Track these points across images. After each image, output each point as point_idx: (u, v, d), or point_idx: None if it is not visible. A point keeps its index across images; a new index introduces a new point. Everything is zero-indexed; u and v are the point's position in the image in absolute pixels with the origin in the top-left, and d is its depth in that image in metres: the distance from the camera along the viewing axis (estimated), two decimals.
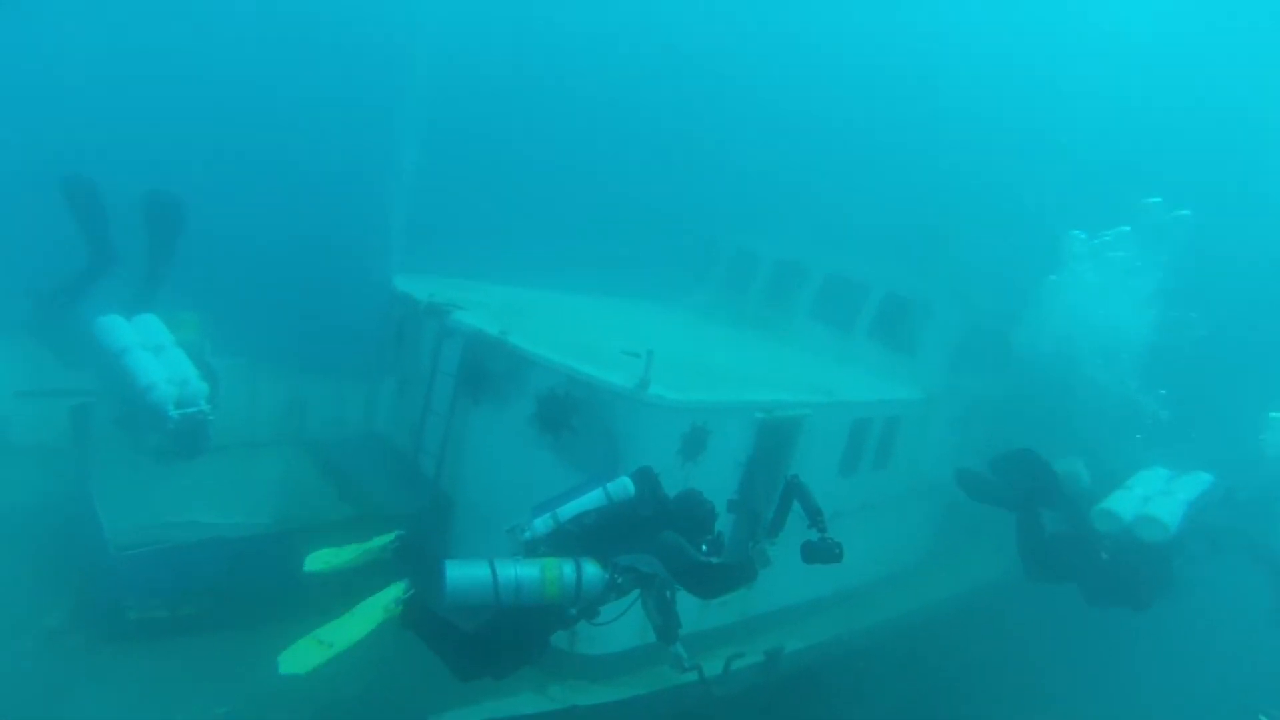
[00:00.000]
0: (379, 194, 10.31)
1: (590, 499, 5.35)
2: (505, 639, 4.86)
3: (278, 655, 5.09)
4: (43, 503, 7.18)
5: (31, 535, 6.86)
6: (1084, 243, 11.49)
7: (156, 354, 7.45)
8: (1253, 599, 9.13)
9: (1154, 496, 8.48)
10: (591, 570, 4.92)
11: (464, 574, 4.72)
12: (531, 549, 5.17)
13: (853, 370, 10.13)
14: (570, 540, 5.16)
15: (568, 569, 4.85)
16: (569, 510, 5.30)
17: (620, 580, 5.04)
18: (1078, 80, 19.93)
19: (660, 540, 5.18)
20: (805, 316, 11.52)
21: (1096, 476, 9.02)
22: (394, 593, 4.77)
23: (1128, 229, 11.37)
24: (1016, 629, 11.33)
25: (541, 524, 5.28)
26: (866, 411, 9.15)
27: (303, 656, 4.44)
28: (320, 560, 5.23)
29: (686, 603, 5.41)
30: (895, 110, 20.10)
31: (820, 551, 5.42)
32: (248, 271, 12.71)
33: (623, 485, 5.39)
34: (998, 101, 19.24)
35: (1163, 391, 10.96)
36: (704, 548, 5.32)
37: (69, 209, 7.64)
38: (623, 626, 5.33)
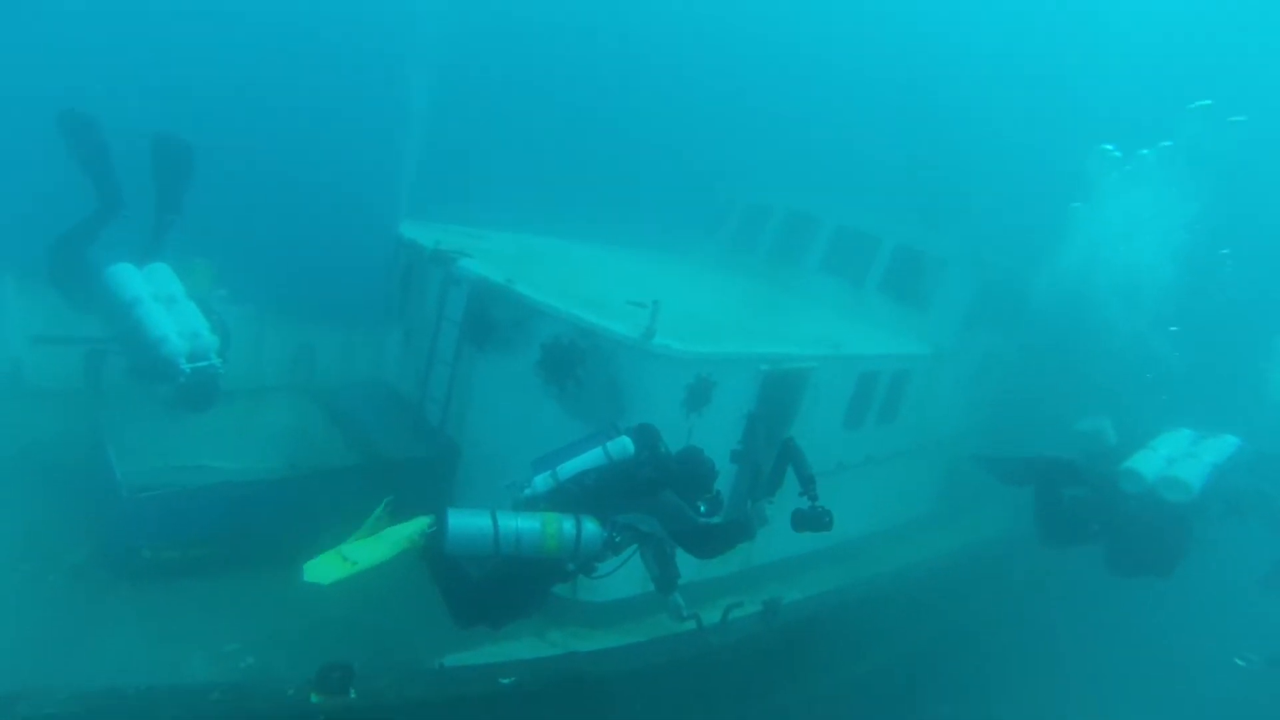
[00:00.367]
0: (388, 139, 10.21)
1: (590, 458, 5.34)
2: (506, 589, 4.94)
3: (283, 596, 5.24)
4: (59, 443, 7.30)
5: (50, 474, 7.02)
6: (1116, 161, 10.51)
7: (168, 305, 7.41)
8: (1258, 560, 9.10)
9: (1179, 458, 8.43)
10: (591, 527, 4.98)
11: (466, 522, 4.78)
12: (531, 506, 5.21)
13: (862, 324, 10.04)
14: (570, 499, 5.20)
15: (568, 525, 4.91)
16: (569, 469, 5.31)
17: (618, 539, 5.11)
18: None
19: (658, 500, 5.21)
20: (816, 269, 11.38)
21: (1123, 436, 8.94)
22: (419, 525, 4.84)
23: (1170, 144, 10.31)
24: (1020, 584, 11.41)
25: (541, 481, 5.31)
26: (873, 365, 9.08)
27: (326, 568, 4.53)
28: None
29: (686, 554, 5.48)
30: (906, 53, 19.51)
31: (810, 520, 5.43)
32: (255, 217, 12.67)
33: (622, 445, 5.37)
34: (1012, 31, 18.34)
35: (1173, 329, 10.51)
36: (702, 507, 5.35)
37: (68, 147, 7.55)
38: (623, 575, 5.41)
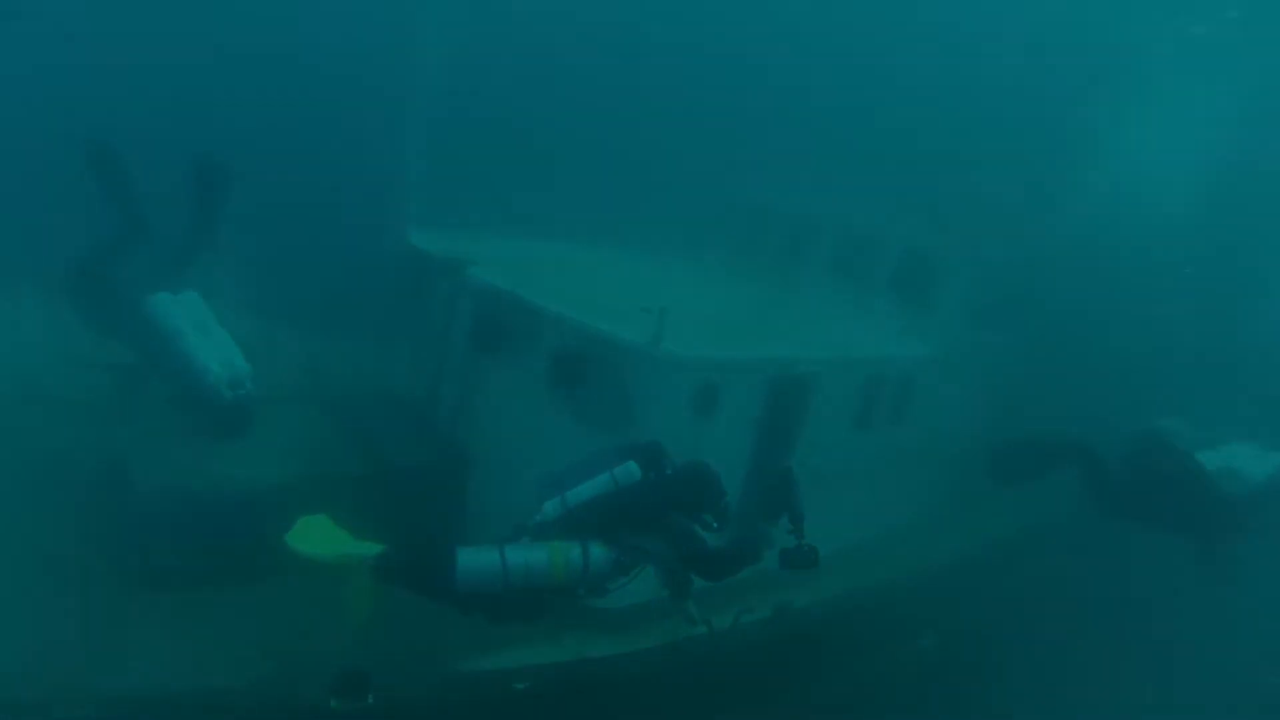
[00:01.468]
0: (395, 147, 10.25)
1: (598, 483, 5.36)
2: (509, 607, 5.00)
3: (299, 603, 5.29)
4: (77, 452, 7.37)
5: (68, 482, 7.08)
6: (1167, 39, 8.95)
7: (205, 335, 7.59)
8: None
9: (1240, 458, 9.04)
10: (598, 552, 5.05)
11: (475, 561, 4.85)
12: (542, 533, 5.27)
13: (868, 326, 10.07)
14: (579, 524, 5.26)
15: (574, 553, 4.97)
16: (576, 496, 5.34)
17: (626, 560, 5.19)
18: None
19: (666, 523, 5.30)
20: (821, 272, 11.40)
21: (1196, 437, 9.21)
22: (369, 551, 4.91)
23: (1236, 15, 8.78)
24: (1031, 586, 11.36)
25: (551, 508, 5.35)
26: (880, 369, 9.13)
27: (313, 537, 4.79)
28: None
29: None
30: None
31: (796, 559, 5.47)
32: (264, 227, 12.73)
33: (629, 470, 5.41)
34: None
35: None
36: (712, 522, 5.41)
37: (94, 177, 7.69)
38: (636, 580, 5.46)
